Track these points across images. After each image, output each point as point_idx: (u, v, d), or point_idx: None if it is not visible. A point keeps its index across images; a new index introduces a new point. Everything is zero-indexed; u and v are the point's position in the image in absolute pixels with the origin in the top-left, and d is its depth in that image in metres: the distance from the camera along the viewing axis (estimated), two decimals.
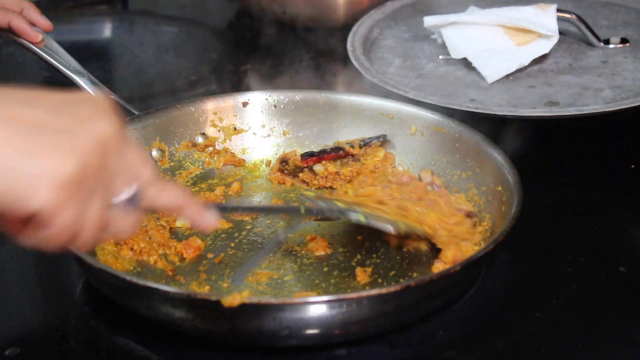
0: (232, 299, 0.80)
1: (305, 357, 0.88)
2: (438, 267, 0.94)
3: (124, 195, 0.69)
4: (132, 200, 0.70)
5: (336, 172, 1.11)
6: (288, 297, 0.91)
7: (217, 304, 0.80)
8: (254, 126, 1.17)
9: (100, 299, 0.93)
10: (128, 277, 0.84)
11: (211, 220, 0.77)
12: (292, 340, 0.85)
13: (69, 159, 0.64)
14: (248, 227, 1.03)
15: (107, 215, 0.69)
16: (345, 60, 1.35)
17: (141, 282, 0.84)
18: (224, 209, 0.97)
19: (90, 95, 0.70)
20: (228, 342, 0.88)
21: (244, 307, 0.80)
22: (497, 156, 1.02)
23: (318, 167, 1.11)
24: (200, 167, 1.14)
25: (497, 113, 1.18)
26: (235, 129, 1.16)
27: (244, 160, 1.16)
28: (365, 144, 1.12)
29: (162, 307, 0.84)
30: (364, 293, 0.82)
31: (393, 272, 0.96)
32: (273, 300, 0.84)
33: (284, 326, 0.82)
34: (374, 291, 0.82)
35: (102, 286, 0.91)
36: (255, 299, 0.82)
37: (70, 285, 0.99)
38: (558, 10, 1.38)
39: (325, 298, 0.82)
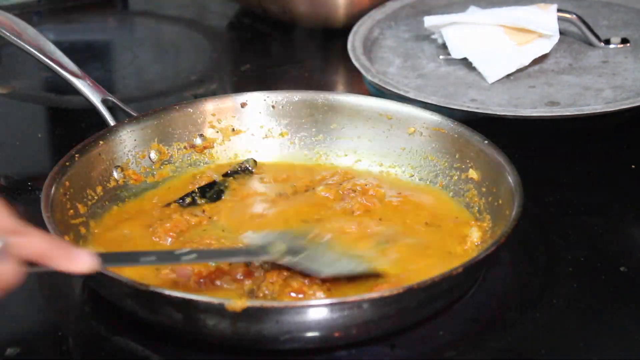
0: (235, 304, 0.80)
1: (305, 358, 0.87)
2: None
3: None
4: (1, 253, 0.70)
5: None
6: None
7: (221, 308, 0.80)
8: (252, 127, 1.16)
9: (100, 299, 0.93)
10: (130, 281, 0.84)
11: (84, 263, 0.75)
12: (292, 343, 0.85)
13: None
14: None
15: None
16: (345, 60, 1.35)
17: (143, 286, 0.84)
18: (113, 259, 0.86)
19: None
20: (229, 344, 0.88)
21: (247, 311, 0.80)
22: (497, 157, 1.02)
23: None
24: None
25: (498, 113, 1.18)
26: (233, 130, 1.16)
27: None
28: None
29: (164, 311, 0.84)
30: (365, 296, 0.82)
31: None
32: (275, 304, 0.83)
33: (285, 329, 0.82)
34: (375, 294, 0.82)
35: (102, 290, 0.91)
36: (257, 303, 0.82)
37: (70, 285, 0.99)
38: (558, 10, 1.38)
39: (327, 301, 0.83)
